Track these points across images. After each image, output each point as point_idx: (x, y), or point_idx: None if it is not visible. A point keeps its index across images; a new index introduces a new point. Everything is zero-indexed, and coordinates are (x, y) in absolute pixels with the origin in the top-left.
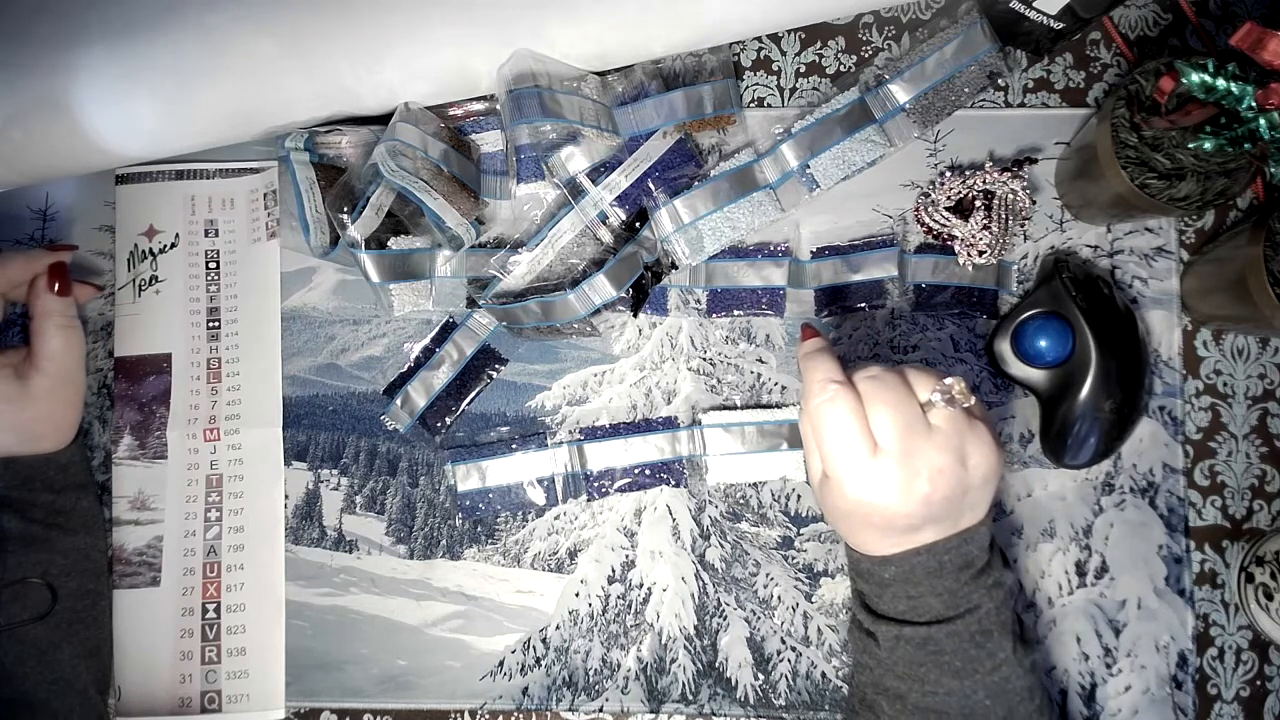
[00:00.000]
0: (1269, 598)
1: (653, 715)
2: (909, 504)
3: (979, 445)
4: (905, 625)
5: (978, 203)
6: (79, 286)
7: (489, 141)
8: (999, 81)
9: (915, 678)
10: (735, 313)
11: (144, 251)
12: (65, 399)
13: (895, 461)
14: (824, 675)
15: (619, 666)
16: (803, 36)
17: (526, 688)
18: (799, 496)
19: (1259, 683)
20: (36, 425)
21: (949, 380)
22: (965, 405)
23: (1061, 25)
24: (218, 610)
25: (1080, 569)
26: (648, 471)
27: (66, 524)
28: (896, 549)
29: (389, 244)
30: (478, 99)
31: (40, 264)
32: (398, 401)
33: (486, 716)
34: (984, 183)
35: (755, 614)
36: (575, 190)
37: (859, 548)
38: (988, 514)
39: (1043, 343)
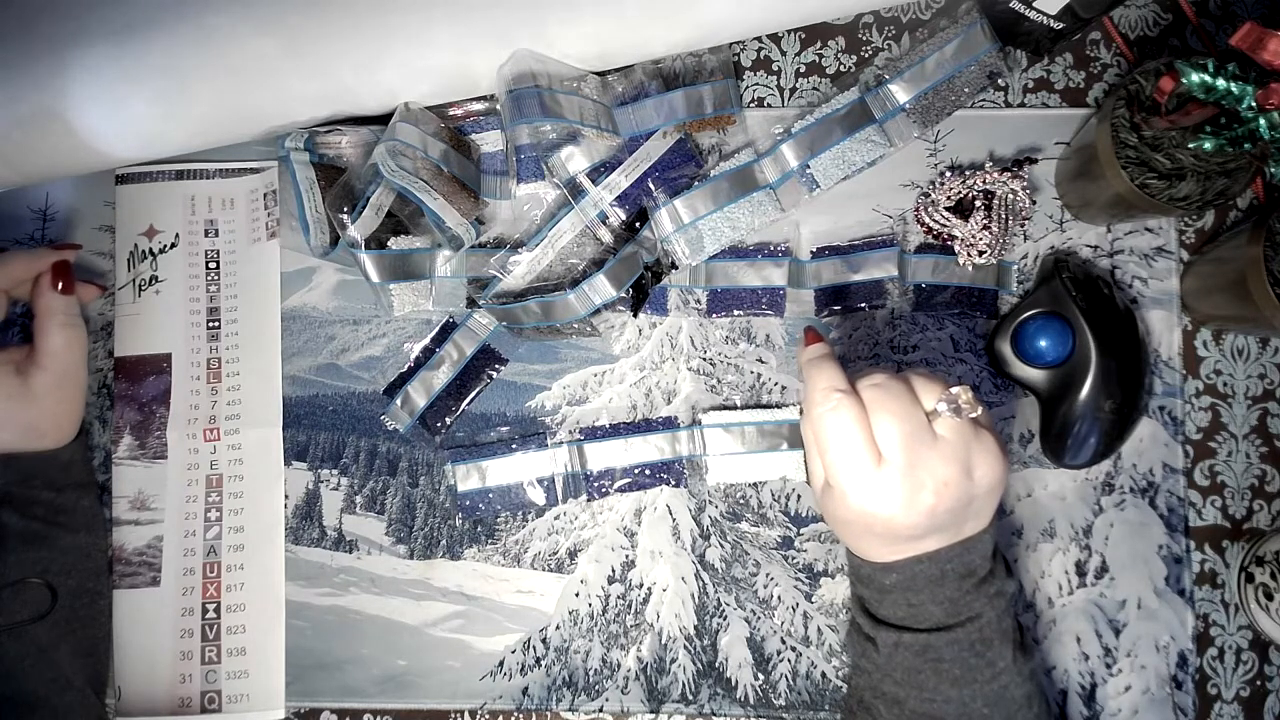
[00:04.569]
0: (1269, 598)
1: (653, 715)
2: (913, 515)
3: (985, 455)
4: (905, 632)
5: (978, 203)
6: (84, 286)
7: (489, 141)
8: (999, 81)
9: (913, 684)
10: (735, 313)
11: (144, 251)
12: (67, 396)
13: (900, 473)
14: (824, 675)
15: (619, 666)
16: (803, 36)
17: (526, 688)
18: (799, 496)
19: (1259, 683)
20: (38, 422)
21: (955, 389)
22: (972, 415)
23: (1061, 25)
24: (218, 610)
25: (1080, 569)
26: (648, 471)
27: (67, 522)
28: (898, 556)
29: (389, 244)
30: (478, 99)
31: (43, 263)
32: (398, 401)
33: (486, 716)
34: (984, 183)
35: (755, 614)
36: (575, 190)
37: (860, 554)
38: (991, 522)
39: (1043, 343)
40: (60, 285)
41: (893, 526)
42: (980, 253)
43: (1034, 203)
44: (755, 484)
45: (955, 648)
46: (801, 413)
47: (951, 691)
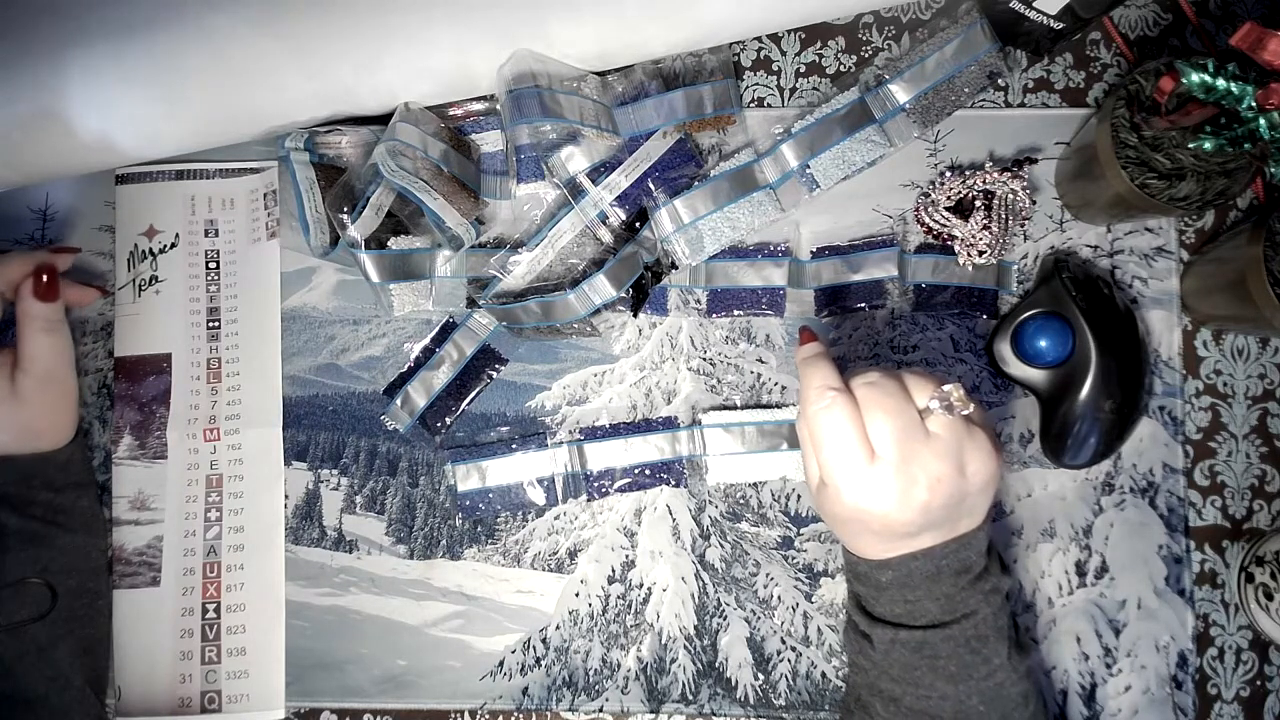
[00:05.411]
0: (1269, 598)
1: (653, 715)
2: (907, 511)
3: (977, 452)
4: (901, 629)
5: (978, 203)
6: (84, 290)
7: (489, 141)
8: (999, 81)
9: (910, 681)
10: (735, 313)
11: (144, 251)
12: (54, 399)
13: (893, 469)
14: (824, 675)
15: (619, 666)
16: (803, 36)
17: (526, 688)
18: (799, 496)
19: (1259, 683)
20: (32, 424)
21: (947, 387)
22: (964, 412)
23: (1061, 25)
24: (218, 610)
25: (1080, 569)
26: (648, 471)
27: (66, 522)
28: (894, 553)
29: (389, 244)
30: (478, 99)
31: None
32: (398, 401)
33: (486, 716)
34: (984, 183)
35: (755, 614)
36: (575, 190)
37: (856, 551)
38: (986, 519)
39: (1043, 343)
40: (40, 293)
41: (888, 523)
42: (980, 253)
43: (1034, 203)
44: (755, 484)
45: (951, 644)
46: (799, 414)
47: (948, 688)
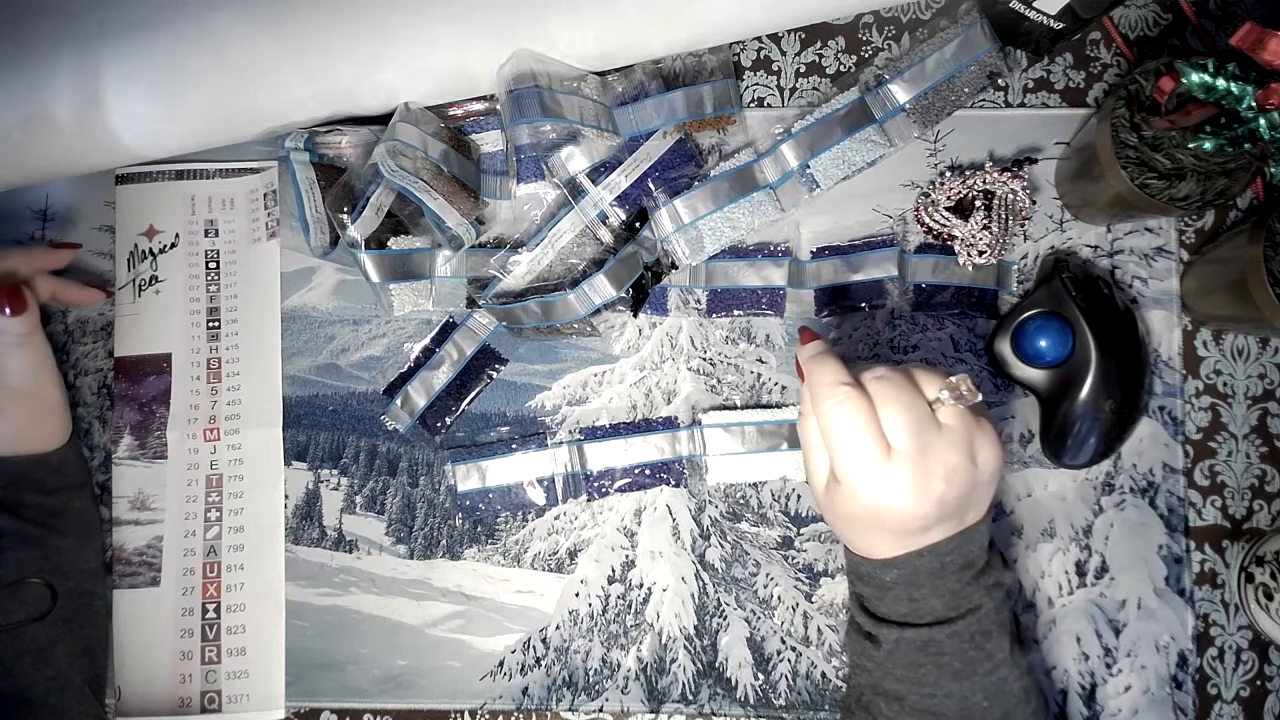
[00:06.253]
0: (1269, 598)
1: (653, 715)
2: (923, 505)
3: (986, 441)
4: (906, 628)
5: (978, 203)
6: (86, 291)
7: (489, 141)
8: (999, 81)
9: (914, 679)
10: (735, 313)
11: (144, 251)
12: (34, 410)
13: (910, 462)
14: (824, 675)
15: (619, 666)
16: (803, 36)
17: (526, 688)
18: (799, 496)
19: (1259, 683)
20: (15, 434)
21: (954, 378)
22: (974, 401)
23: (1061, 25)
24: (218, 610)
25: (1080, 569)
26: (648, 471)
27: (59, 525)
28: (902, 551)
29: (389, 244)
30: (478, 99)
31: (39, 262)
32: (398, 401)
33: (486, 716)
34: (984, 183)
35: (755, 614)
36: (575, 190)
37: (863, 552)
38: (988, 513)
39: (1043, 343)
40: (8, 310)
41: (904, 519)
42: (980, 253)
43: (1034, 203)
44: (755, 484)
45: (956, 640)
46: (800, 413)
47: (952, 685)
